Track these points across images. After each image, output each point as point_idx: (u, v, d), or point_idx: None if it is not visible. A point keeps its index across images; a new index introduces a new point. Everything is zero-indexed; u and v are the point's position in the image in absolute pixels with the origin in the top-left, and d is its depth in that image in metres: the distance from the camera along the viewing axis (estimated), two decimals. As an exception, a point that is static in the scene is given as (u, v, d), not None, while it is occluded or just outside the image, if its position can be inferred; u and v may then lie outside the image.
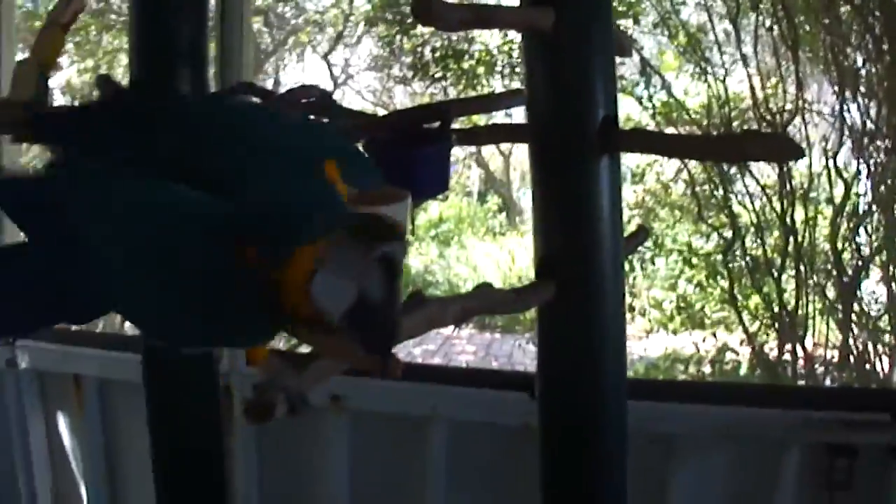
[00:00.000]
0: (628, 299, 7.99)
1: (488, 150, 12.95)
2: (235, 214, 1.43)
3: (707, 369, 7.44)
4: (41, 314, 1.54)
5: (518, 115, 3.42)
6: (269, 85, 10.35)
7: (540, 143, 2.26)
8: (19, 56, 4.08)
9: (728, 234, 6.98)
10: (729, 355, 7.35)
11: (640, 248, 7.53)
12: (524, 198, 14.76)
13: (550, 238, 2.27)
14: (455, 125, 2.52)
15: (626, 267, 7.70)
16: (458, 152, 12.16)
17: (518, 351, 9.52)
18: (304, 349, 1.78)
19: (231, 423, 3.23)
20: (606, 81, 2.19)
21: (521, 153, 12.89)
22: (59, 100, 9.04)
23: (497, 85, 8.53)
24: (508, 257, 11.37)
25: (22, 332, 1.50)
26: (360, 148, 2.28)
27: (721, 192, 6.82)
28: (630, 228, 2.77)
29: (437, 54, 8.71)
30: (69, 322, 2.39)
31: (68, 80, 9.27)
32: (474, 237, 13.19)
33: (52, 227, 1.46)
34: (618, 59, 2.38)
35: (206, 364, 2.74)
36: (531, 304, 2.24)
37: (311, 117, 2.54)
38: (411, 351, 10.21)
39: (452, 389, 3.34)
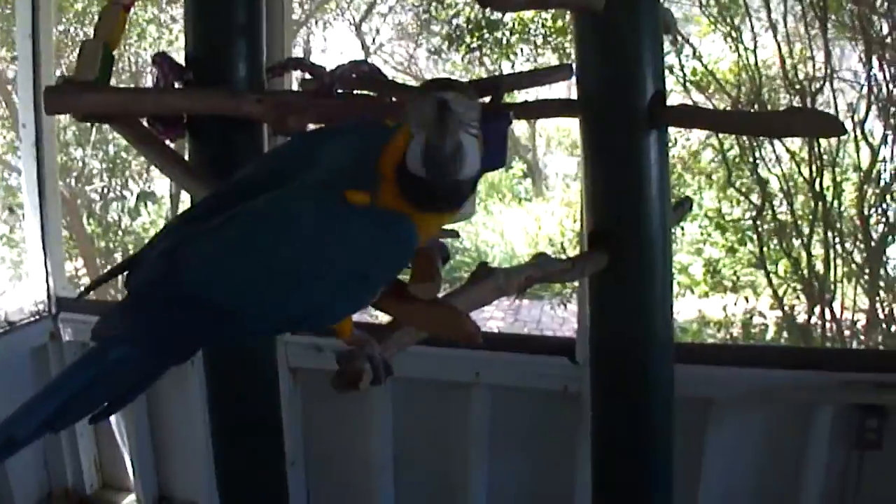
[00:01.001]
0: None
1: (513, 116, 12.87)
2: (322, 173, 1.54)
3: (735, 332, 7.48)
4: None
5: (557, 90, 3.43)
6: (299, 54, 10.40)
7: (591, 119, 2.34)
8: (54, 31, 4.12)
9: (756, 199, 7.00)
10: (757, 319, 7.39)
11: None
12: (549, 164, 14.76)
13: (601, 210, 2.36)
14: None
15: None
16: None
17: (545, 316, 9.61)
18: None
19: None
20: (655, 58, 2.27)
21: (546, 120, 12.88)
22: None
23: (529, 54, 8.56)
24: (535, 223, 11.37)
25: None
26: None
27: (750, 157, 6.84)
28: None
29: (471, 25, 8.75)
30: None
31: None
32: (501, 203, 13.19)
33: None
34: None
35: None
36: (585, 273, 2.33)
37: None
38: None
39: (494, 355, 3.40)
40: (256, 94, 2.39)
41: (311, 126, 2.39)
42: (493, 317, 9.77)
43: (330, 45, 11.21)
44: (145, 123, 2.54)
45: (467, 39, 8.91)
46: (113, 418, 4.07)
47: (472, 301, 1.83)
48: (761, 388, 3.12)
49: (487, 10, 8.40)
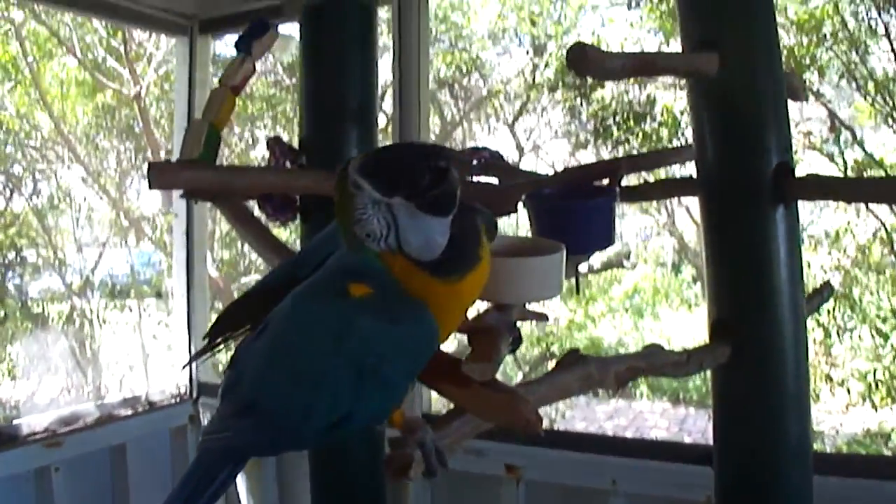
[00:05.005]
0: (827, 370, 7.59)
1: (681, 220, 12.63)
2: (335, 261, 1.51)
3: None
4: None
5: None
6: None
7: (710, 196, 2.17)
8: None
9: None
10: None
11: (839, 316, 7.15)
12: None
13: (724, 295, 2.18)
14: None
15: (824, 335, 7.28)
16: (649, 222, 11.98)
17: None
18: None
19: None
20: (779, 127, 2.09)
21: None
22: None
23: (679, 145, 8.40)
24: (704, 329, 11.01)
25: None
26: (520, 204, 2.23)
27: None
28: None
29: (618, 118, 8.65)
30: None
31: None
32: (669, 308, 12.85)
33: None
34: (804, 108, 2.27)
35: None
36: (704, 367, 2.13)
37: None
38: (602, 425, 10.03)
39: (632, 462, 3.17)
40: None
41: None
42: (657, 426, 9.47)
43: (491, 146, 11.26)
44: (256, 206, 2.58)
45: (614, 132, 8.81)
46: (245, 499, 4.11)
47: (554, 389, 1.68)
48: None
49: (635, 104, 8.48)
